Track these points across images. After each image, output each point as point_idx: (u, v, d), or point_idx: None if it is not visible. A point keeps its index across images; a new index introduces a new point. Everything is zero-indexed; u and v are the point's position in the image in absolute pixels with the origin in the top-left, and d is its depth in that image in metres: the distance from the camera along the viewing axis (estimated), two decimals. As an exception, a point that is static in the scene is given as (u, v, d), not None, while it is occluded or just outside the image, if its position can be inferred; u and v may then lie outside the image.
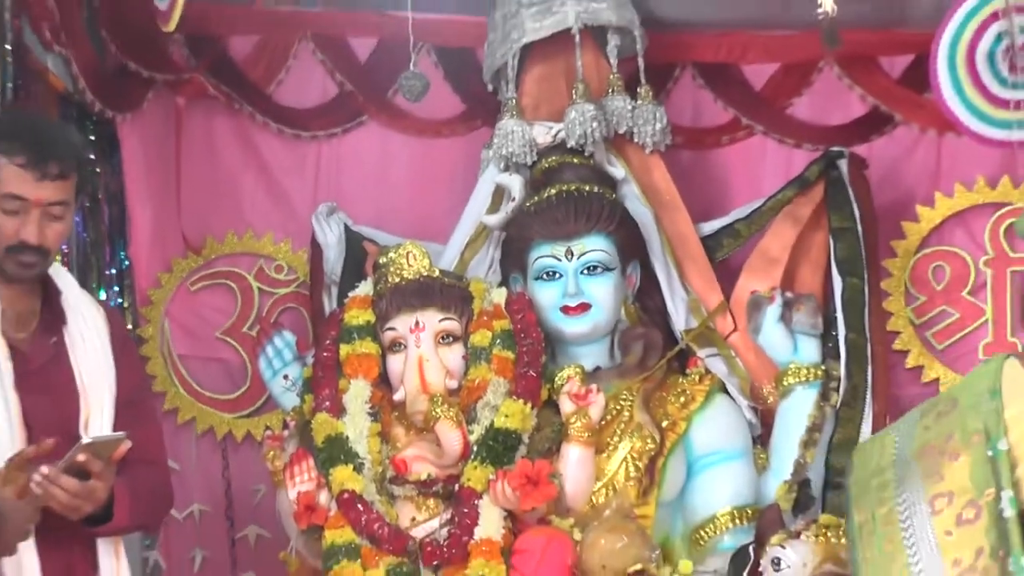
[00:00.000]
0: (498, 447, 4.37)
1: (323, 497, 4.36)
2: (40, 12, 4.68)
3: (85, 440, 3.30)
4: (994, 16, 4.69)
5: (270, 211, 5.43)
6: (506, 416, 4.39)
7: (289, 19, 5.42)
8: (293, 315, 5.33)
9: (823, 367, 4.72)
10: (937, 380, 5.21)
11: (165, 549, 5.12)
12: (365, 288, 4.70)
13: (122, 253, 5.27)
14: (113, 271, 5.26)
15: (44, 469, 3.16)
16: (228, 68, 5.40)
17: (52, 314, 3.78)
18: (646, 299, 4.96)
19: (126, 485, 3.65)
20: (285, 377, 4.87)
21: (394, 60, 5.29)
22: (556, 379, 4.53)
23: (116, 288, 5.32)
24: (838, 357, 4.82)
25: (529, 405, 4.44)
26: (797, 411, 4.67)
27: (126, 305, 5.24)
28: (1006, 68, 4.78)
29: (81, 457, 3.24)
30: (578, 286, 4.71)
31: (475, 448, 4.40)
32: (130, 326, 5.14)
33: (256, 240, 5.40)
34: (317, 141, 5.48)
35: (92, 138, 5.21)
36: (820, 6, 3.22)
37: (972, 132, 4.92)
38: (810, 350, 4.69)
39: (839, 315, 4.88)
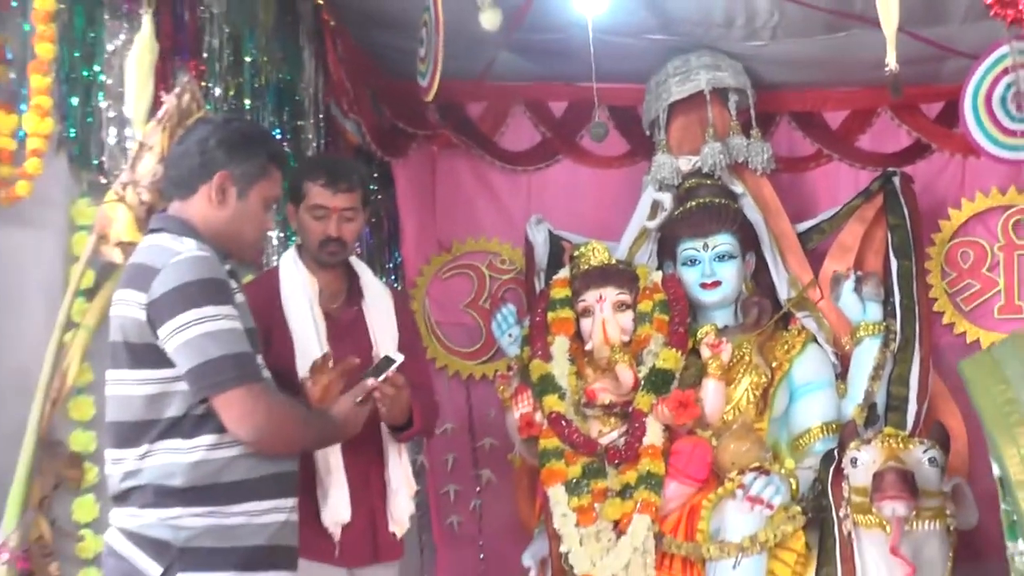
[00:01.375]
0: (658, 381, 4.44)
1: (538, 416, 4.45)
2: (340, 92, 4.72)
3: (396, 360, 3.30)
4: (1004, 71, 4.61)
5: (496, 222, 5.46)
6: (663, 360, 4.46)
7: (507, 90, 5.38)
8: (513, 294, 5.31)
9: (884, 324, 4.71)
10: (964, 333, 5.19)
11: (428, 454, 5.17)
12: (564, 273, 4.77)
13: (396, 253, 5.35)
14: (391, 265, 5.35)
15: (371, 381, 3.15)
16: (466, 125, 5.38)
17: (354, 291, 3.84)
18: (759, 277, 4.97)
19: (417, 401, 3.70)
20: (510, 335, 4.91)
21: (579, 116, 5.38)
22: (698, 334, 4.56)
23: (393, 277, 5.40)
24: (895, 317, 4.78)
25: (679, 352, 4.50)
26: (866, 355, 4.67)
27: (400, 288, 5.25)
28: (1014, 108, 4.68)
29: (392, 373, 3.26)
30: (712, 269, 4.75)
31: (642, 382, 4.46)
32: (403, 303, 5.15)
33: (487, 242, 5.44)
34: (528, 173, 5.47)
35: (376, 175, 5.31)
36: (887, 67, 3.21)
37: (989, 154, 4.84)
38: (875, 312, 4.69)
39: (895, 287, 4.83)
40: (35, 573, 3.07)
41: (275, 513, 2.77)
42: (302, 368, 3.47)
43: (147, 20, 3.26)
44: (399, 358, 3.32)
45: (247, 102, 4.17)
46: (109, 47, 3.53)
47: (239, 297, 2.82)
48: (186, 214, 2.84)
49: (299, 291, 3.66)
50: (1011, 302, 5.18)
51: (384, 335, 3.83)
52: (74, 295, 3.17)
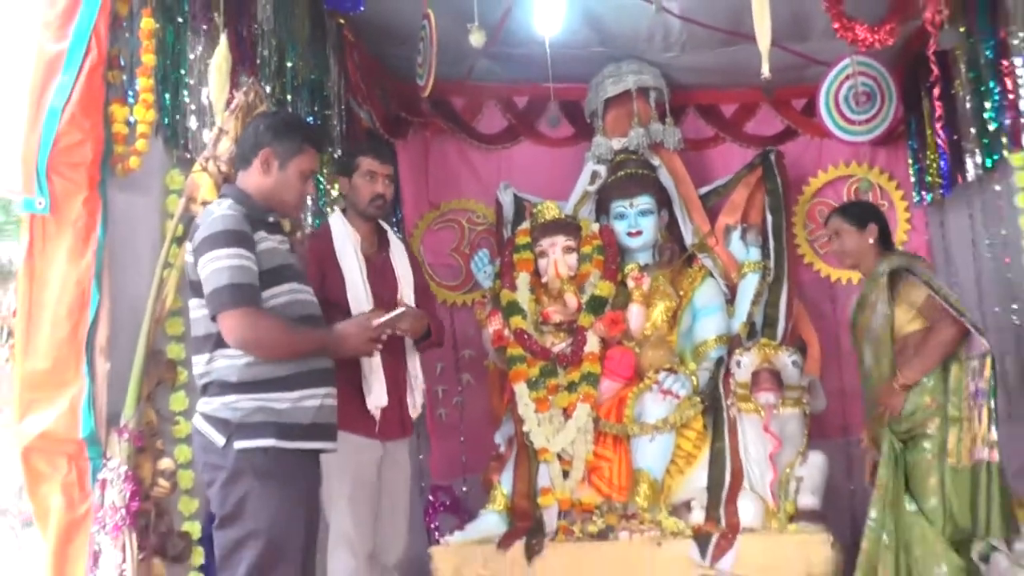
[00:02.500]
0: (596, 305, 4.54)
1: (506, 332, 4.55)
2: (357, 90, 4.69)
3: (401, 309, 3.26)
4: (847, 77, 4.76)
5: (474, 187, 5.43)
6: (599, 289, 4.57)
7: (482, 88, 5.38)
8: (486, 241, 5.29)
9: (763, 263, 4.77)
10: (819, 271, 5.26)
11: (422, 363, 5.10)
12: (525, 225, 4.85)
13: (399, 211, 5.27)
14: (395, 220, 5.18)
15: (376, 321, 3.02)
16: (451, 114, 5.39)
17: (383, 242, 3.86)
18: (671, 228, 5.01)
19: (432, 320, 3.81)
20: (484, 272, 4.85)
21: (537, 108, 5.45)
22: (625, 270, 4.65)
23: (396, 229, 5.21)
24: (770, 257, 4.82)
25: (612, 283, 4.61)
26: (749, 286, 4.72)
27: (401, 237, 5.24)
28: (855, 104, 4.83)
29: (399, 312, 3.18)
30: (636, 222, 4.82)
31: (584, 306, 4.55)
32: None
33: (467, 202, 5.43)
34: (498, 151, 5.47)
35: None
36: (762, 75, 3.26)
37: (838, 137, 5.00)
38: (756, 254, 4.75)
39: (770, 236, 4.89)
40: (145, 448, 3.09)
41: (311, 399, 2.79)
42: (352, 295, 3.57)
43: (223, 39, 3.36)
44: (401, 309, 3.30)
45: (288, 97, 4.16)
46: (191, 55, 3.53)
47: (268, 244, 2.83)
48: (243, 183, 2.95)
49: (347, 241, 3.69)
50: None
51: (404, 274, 3.86)
52: (170, 243, 3.20)
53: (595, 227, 4.81)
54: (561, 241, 4.67)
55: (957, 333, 3.60)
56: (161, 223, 3.41)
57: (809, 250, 5.27)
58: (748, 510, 4.11)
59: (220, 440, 2.74)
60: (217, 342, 2.78)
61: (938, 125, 4.29)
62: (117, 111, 3.22)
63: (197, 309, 2.84)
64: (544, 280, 4.67)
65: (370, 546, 3.56)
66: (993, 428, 3.43)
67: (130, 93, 3.27)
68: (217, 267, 2.72)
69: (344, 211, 3.88)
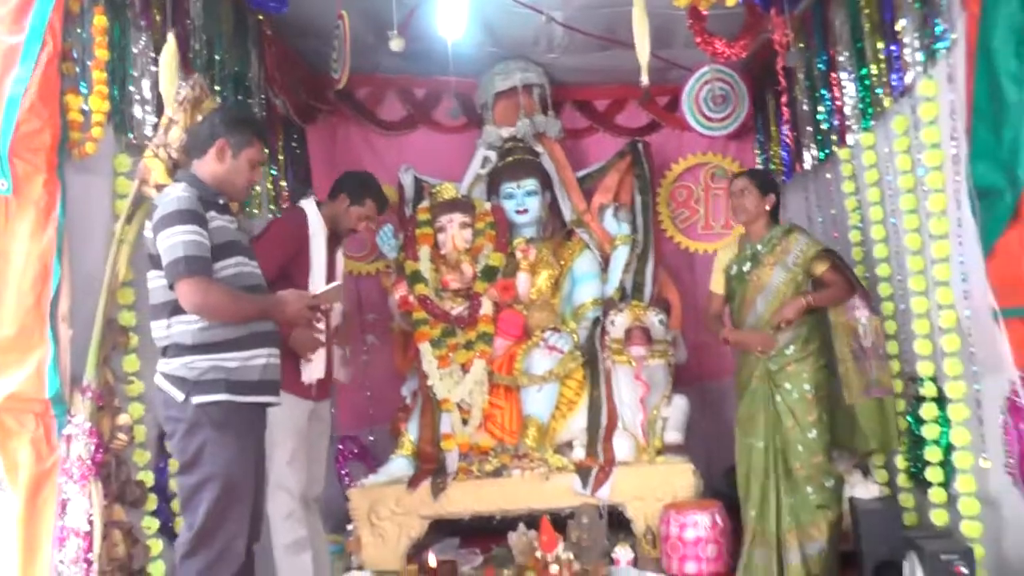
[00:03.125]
0: (489, 273, 4.70)
1: (411, 298, 4.66)
2: (273, 79, 4.61)
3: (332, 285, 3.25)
4: (706, 81, 5.05)
5: (377, 169, 4.77)
6: (492, 260, 4.74)
7: (385, 79, 5.39)
8: (390, 218, 5.06)
9: (632, 236, 4.99)
10: (680, 243, 5.52)
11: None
12: (425, 203, 4.94)
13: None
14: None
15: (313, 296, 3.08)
16: (357, 104, 5.43)
17: (336, 240, 3.83)
18: (553, 207, 5.18)
19: None
20: (389, 245, 4.86)
21: (433, 99, 5.54)
22: (514, 243, 4.83)
23: None
24: (638, 232, 5.04)
25: (502, 254, 4.77)
26: (620, 257, 4.95)
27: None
28: (713, 104, 5.13)
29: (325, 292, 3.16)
30: (523, 202, 4.99)
31: (479, 274, 4.71)
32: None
33: None
34: (398, 137, 5.53)
35: (295, 137, 5.18)
36: (642, 83, 3.44)
37: (697, 131, 5.25)
38: (626, 229, 4.99)
39: (639, 214, 5.11)
40: (105, 406, 3.15)
41: (258, 358, 2.86)
42: (313, 278, 3.56)
43: (171, 36, 3.39)
44: (336, 283, 3.33)
45: (217, 87, 4.17)
46: (134, 50, 3.54)
47: (219, 223, 2.87)
48: (197, 169, 2.98)
49: (320, 231, 3.67)
50: (708, 223, 5.60)
51: (342, 271, 3.87)
52: (123, 222, 3.22)
53: (487, 206, 4.94)
54: (458, 218, 4.80)
55: (849, 294, 3.79)
56: (112, 203, 3.41)
57: (671, 226, 5.52)
58: (622, 446, 4.37)
59: (179, 396, 2.80)
60: (174, 309, 2.83)
61: (783, 125, 4.57)
62: (72, 100, 3.21)
63: (156, 279, 2.89)
64: (443, 252, 4.78)
65: (303, 488, 3.65)
66: (886, 374, 3.71)
67: (82, 84, 3.26)
68: (173, 241, 2.77)
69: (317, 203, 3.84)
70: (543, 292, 4.88)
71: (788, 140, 4.86)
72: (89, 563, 2.99)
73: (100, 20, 3.25)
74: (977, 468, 3.26)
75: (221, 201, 2.97)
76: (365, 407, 5.26)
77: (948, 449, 3.46)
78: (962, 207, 3.17)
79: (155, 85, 3.64)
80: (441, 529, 4.59)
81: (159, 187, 3.22)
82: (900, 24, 3.56)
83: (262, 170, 3.15)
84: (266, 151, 3.09)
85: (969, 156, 3.10)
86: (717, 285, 4.12)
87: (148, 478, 3.42)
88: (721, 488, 4.53)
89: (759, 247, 3.93)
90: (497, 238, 4.83)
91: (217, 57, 4.17)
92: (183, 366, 2.82)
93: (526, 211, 5.00)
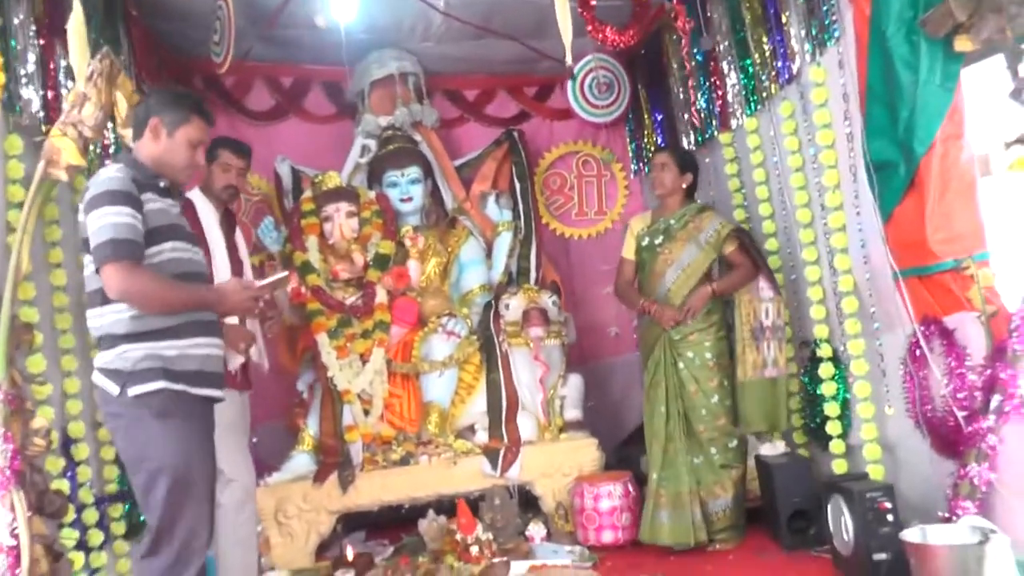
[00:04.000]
0: (381, 261, 4.62)
1: (303, 289, 4.49)
2: (141, 61, 4.32)
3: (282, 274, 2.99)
4: (590, 70, 5.16)
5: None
6: (382, 248, 4.66)
7: (253, 67, 5.16)
8: (260, 210, 5.14)
9: (514, 223, 5.06)
10: (555, 229, 5.59)
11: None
12: (308, 193, 4.76)
13: None
14: None
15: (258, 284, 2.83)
16: (224, 91, 5.22)
17: (230, 224, 3.65)
18: (434, 195, 5.15)
19: None
20: (271, 238, 4.69)
21: (301, 88, 5.36)
22: (401, 231, 4.76)
23: None
24: (520, 218, 5.11)
25: (392, 243, 4.69)
26: (504, 242, 5.01)
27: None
28: (598, 91, 5.26)
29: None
30: (407, 190, 4.93)
31: (370, 263, 4.61)
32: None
33: None
34: (268, 126, 5.33)
35: None
36: (567, 64, 3.37)
37: (582, 118, 5.35)
38: (508, 215, 5.05)
39: (519, 200, 5.17)
40: (16, 409, 2.81)
41: (197, 348, 2.67)
42: (217, 267, 3.38)
43: (77, 4, 3.08)
44: (284, 273, 3.04)
45: None
46: (15, 20, 3.21)
47: (157, 205, 2.67)
48: (137, 151, 2.77)
49: (211, 217, 3.49)
50: (581, 209, 5.71)
51: (245, 257, 3.70)
52: (29, 208, 2.89)
53: (371, 194, 4.84)
54: (344, 207, 4.68)
55: (754, 275, 3.94)
56: (5, 189, 3.10)
57: (546, 212, 5.60)
58: (526, 427, 4.41)
59: (115, 389, 2.59)
60: (105, 297, 2.62)
61: (657, 113, 4.69)
62: (-47, 78, 2.90)
63: (89, 265, 2.67)
64: (331, 242, 4.65)
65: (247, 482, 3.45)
66: (783, 354, 3.87)
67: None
68: (101, 224, 2.57)
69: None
70: (432, 279, 4.85)
71: (663, 127, 5.03)
72: (18, 581, 2.69)
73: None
74: (878, 416, 3.52)
75: (162, 184, 2.77)
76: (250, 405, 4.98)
77: (844, 404, 3.72)
78: (858, 180, 3.42)
79: (39, 60, 3.35)
80: (346, 524, 4.46)
81: (71, 168, 2.98)
82: (785, 16, 3.80)
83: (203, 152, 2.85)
84: (208, 129, 2.85)
85: (864, 134, 3.37)
86: (629, 251, 4.20)
87: (64, 487, 3.13)
88: (612, 463, 4.59)
89: (672, 221, 4.05)
90: (385, 226, 4.75)
91: (93, 36, 3.85)
92: (117, 357, 2.61)
93: (411, 199, 4.95)
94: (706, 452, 3.93)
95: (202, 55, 4.46)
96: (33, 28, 3.34)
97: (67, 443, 3.28)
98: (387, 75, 5.08)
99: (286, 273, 2.99)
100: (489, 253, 5.05)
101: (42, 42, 3.36)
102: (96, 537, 3.37)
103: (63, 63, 3.45)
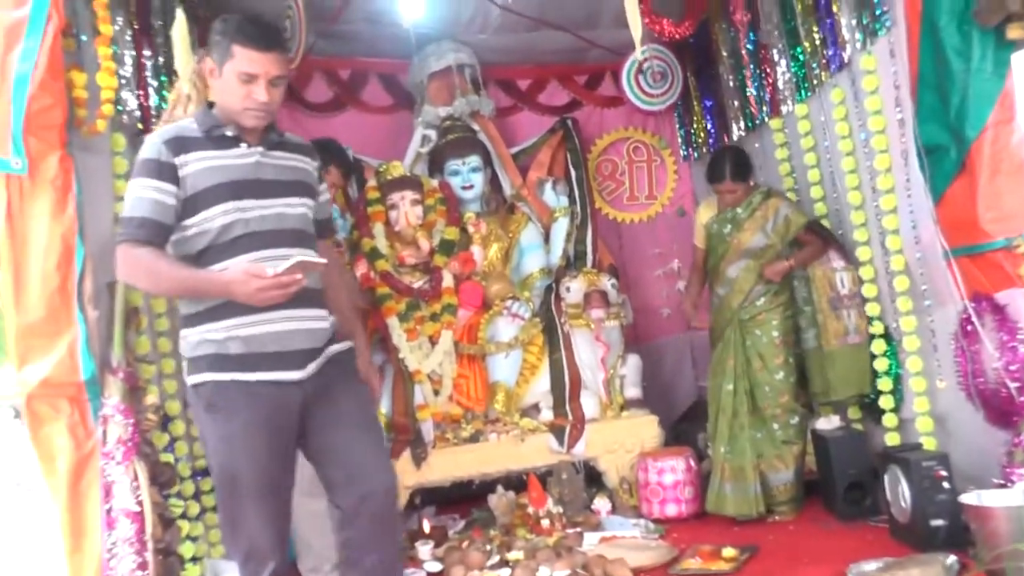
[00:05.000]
0: (447, 247, 4.76)
1: (372, 274, 4.63)
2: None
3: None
4: (644, 60, 5.27)
5: None
6: (448, 234, 4.80)
7: (312, 61, 5.15)
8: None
9: (570, 208, 5.17)
10: (608, 214, 5.72)
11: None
12: (373, 182, 4.89)
13: None
14: None
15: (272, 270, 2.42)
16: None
17: None
18: (493, 182, 5.26)
19: None
20: (338, 224, 4.60)
21: (359, 80, 5.48)
22: (464, 218, 4.92)
23: None
24: (576, 203, 5.22)
25: (456, 229, 4.84)
26: (561, 228, 5.11)
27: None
28: (652, 80, 5.39)
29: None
30: (469, 178, 5.07)
31: (436, 249, 4.75)
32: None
33: None
34: (327, 117, 5.39)
35: None
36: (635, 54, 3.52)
37: (636, 107, 5.49)
38: (564, 201, 5.17)
39: (575, 187, 5.29)
40: (132, 387, 3.06)
41: (238, 328, 2.45)
42: None
43: (179, 11, 3.31)
44: (296, 259, 2.48)
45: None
46: (115, 27, 3.42)
47: (206, 163, 2.46)
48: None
49: None
50: (632, 194, 5.83)
51: None
52: None
53: (434, 183, 5.00)
54: (409, 195, 4.82)
55: (825, 249, 4.06)
56: (113, 182, 3.34)
57: (599, 197, 5.72)
58: (588, 405, 4.56)
59: (186, 378, 2.55)
60: None
61: (708, 99, 4.79)
62: (76, 77, 3.14)
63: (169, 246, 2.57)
64: (397, 229, 4.80)
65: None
66: (863, 319, 3.97)
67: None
68: (126, 199, 2.49)
69: None
70: (494, 264, 5.00)
71: (713, 114, 5.17)
72: (144, 543, 2.94)
73: (101, -7, 3.15)
74: (930, 390, 3.68)
75: (229, 133, 2.54)
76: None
77: (896, 379, 3.88)
78: (909, 164, 3.57)
79: (135, 62, 3.58)
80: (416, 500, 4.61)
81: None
82: (836, 6, 3.95)
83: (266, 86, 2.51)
84: (259, 56, 2.47)
85: (915, 119, 3.51)
86: (700, 239, 4.38)
87: (170, 459, 3.37)
88: (669, 440, 4.71)
89: (739, 211, 4.21)
90: (449, 213, 4.90)
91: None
92: (183, 341, 2.54)
93: (472, 187, 5.09)
94: (768, 428, 4.09)
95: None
96: (130, 34, 3.57)
97: (165, 420, 3.49)
98: (445, 67, 5.22)
99: (295, 260, 2.42)
100: (547, 238, 5.17)
101: (135, 45, 3.59)
102: (193, 508, 3.58)
103: (148, 63, 3.67)
